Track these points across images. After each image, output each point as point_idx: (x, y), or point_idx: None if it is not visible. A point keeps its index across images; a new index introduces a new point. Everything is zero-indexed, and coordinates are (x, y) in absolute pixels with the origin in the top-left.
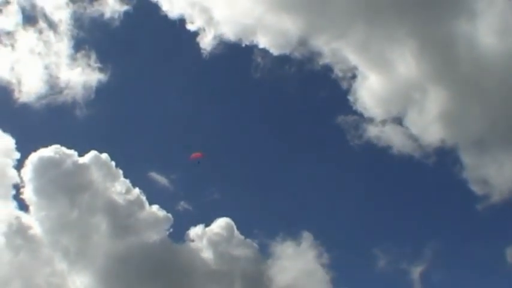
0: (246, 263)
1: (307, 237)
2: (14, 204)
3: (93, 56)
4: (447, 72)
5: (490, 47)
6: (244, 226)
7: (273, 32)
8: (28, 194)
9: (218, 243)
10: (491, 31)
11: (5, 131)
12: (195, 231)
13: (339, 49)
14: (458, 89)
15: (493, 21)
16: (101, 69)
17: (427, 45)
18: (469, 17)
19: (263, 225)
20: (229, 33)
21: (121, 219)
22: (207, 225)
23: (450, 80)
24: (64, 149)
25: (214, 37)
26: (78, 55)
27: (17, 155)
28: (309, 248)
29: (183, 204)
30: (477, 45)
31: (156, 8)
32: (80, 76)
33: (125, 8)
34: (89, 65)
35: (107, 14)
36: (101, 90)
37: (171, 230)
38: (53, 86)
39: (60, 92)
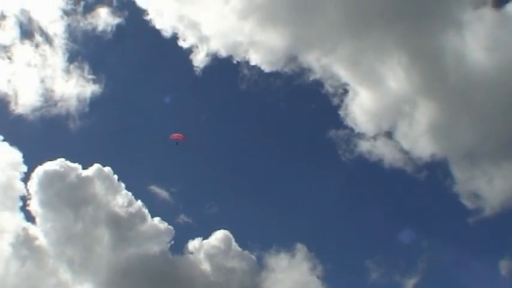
0: (244, 274)
1: (301, 249)
2: (21, 215)
3: (87, 68)
4: (437, 86)
5: (479, 59)
6: (242, 238)
7: (264, 49)
8: (34, 206)
9: (216, 255)
10: (480, 43)
11: (12, 144)
12: (193, 243)
13: (329, 65)
14: (448, 102)
15: (481, 33)
16: (94, 81)
17: (416, 59)
18: (457, 30)
19: (259, 237)
20: (222, 50)
21: (124, 231)
22: (206, 237)
23: (440, 93)
24: (68, 163)
25: (207, 54)
26: (73, 67)
27: (25, 168)
28: (303, 259)
29: (183, 217)
30: (466, 58)
31: (148, 19)
32: (74, 88)
33: (117, 20)
34: (83, 77)
35: (100, 27)
36: (94, 102)
37: (173, 242)
38: (49, 98)
39: (55, 104)
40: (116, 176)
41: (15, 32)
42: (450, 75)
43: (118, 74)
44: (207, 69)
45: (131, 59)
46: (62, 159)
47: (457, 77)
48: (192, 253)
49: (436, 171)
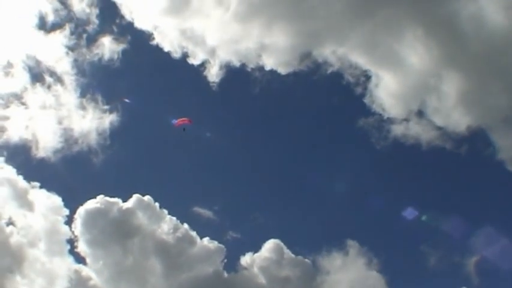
0: (301, 280)
1: (352, 245)
2: (70, 258)
3: (100, 99)
4: (459, 54)
5: (499, 20)
6: (293, 244)
7: (276, 52)
8: (82, 246)
9: (270, 266)
10: (497, 3)
11: (49, 190)
12: (246, 257)
13: (345, 54)
14: (474, 69)
15: None
16: (110, 111)
17: (432, 30)
18: None
19: (308, 240)
20: (234, 60)
21: (175, 256)
22: (257, 249)
23: (464, 62)
24: (108, 198)
25: (220, 67)
26: (86, 101)
27: (66, 211)
28: (357, 255)
29: (231, 234)
30: (485, 20)
31: (151, 39)
32: (92, 122)
33: (122, 46)
34: (99, 109)
35: (106, 56)
36: (115, 132)
37: (225, 260)
38: (69, 138)
39: (76, 142)
40: (157, 204)
41: (26, 77)
42: (471, 41)
43: (133, 100)
44: (223, 82)
45: (144, 83)
46: (101, 196)
47: (478, 41)
48: (246, 268)
49: (476, 143)
